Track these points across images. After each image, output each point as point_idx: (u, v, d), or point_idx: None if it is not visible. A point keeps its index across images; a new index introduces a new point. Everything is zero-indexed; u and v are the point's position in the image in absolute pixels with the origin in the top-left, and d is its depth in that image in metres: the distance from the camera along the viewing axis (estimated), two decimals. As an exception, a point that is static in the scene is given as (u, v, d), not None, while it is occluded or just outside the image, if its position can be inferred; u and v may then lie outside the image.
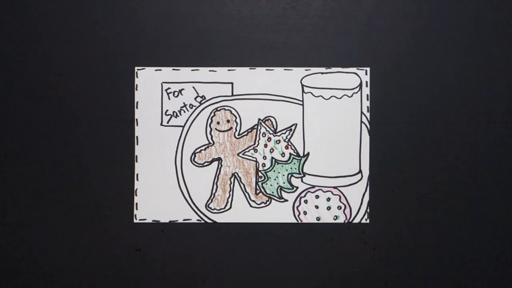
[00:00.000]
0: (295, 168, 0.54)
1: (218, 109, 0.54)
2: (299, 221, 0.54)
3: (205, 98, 0.54)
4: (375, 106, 0.54)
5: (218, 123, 0.54)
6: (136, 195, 0.53)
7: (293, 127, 0.54)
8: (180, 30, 0.53)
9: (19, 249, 0.53)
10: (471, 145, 0.53)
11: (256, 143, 0.54)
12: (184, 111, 0.54)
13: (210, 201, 0.54)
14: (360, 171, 0.54)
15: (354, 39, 0.54)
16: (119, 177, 0.53)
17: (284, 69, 0.54)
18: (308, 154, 0.54)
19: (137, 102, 0.54)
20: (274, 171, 0.54)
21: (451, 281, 0.53)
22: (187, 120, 0.54)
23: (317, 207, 0.54)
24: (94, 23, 0.53)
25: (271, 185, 0.54)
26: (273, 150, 0.54)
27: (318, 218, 0.54)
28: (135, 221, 0.53)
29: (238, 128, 0.54)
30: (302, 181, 0.54)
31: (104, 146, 0.53)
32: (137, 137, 0.54)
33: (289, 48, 0.54)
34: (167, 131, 0.54)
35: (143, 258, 0.53)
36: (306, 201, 0.54)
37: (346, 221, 0.54)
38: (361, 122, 0.54)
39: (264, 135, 0.54)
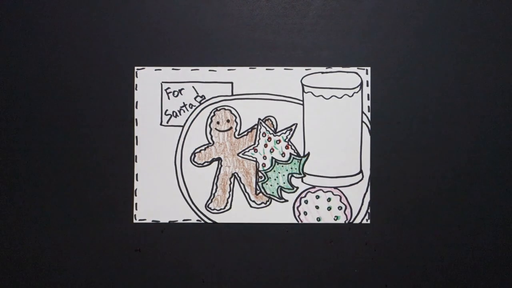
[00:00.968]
0: (296, 168, 0.54)
1: (218, 109, 0.54)
2: (300, 222, 0.53)
3: (205, 98, 0.54)
4: (376, 105, 0.53)
5: (218, 123, 0.54)
6: (135, 195, 0.53)
7: (293, 127, 0.54)
8: (180, 29, 0.53)
9: (19, 249, 0.53)
10: (472, 145, 0.53)
11: (256, 143, 0.54)
12: (184, 111, 0.54)
13: (210, 201, 0.53)
14: (361, 171, 0.53)
15: (355, 38, 0.53)
16: (119, 177, 0.53)
17: (284, 69, 0.53)
18: (308, 154, 0.53)
19: (136, 102, 0.53)
20: (274, 171, 0.54)
21: (451, 282, 0.53)
22: (186, 120, 0.54)
23: (317, 207, 0.53)
24: (93, 23, 0.53)
25: (271, 185, 0.54)
26: (273, 150, 0.54)
27: (318, 219, 0.53)
28: (134, 221, 0.53)
29: (238, 128, 0.54)
30: (302, 181, 0.54)
31: (103, 146, 0.53)
32: (136, 137, 0.53)
33: (289, 47, 0.54)
34: (167, 131, 0.54)
35: (142, 259, 0.53)
36: (306, 202, 0.53)
37: (346, 222, 0.53)
38: (362, 122, 0.53)
39: (264, 135, 0.54)
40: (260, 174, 0.54)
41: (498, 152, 0.47)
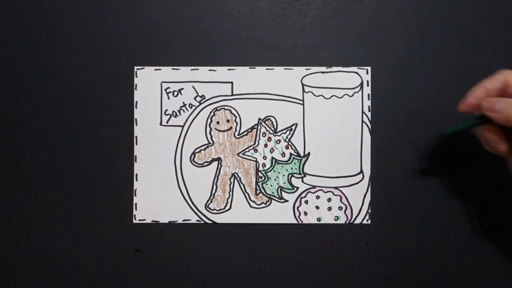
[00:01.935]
0: (296, 168, 0.53)
1: (218, 108, 0.53)
2: (300, 222, 0.53)
3: (204, 98, 0.53)
4: (376, 105, 0.53)
5: (218, 122, 0.54)
6: (135, 196, 0.53)
7: (293, 127, 0.53)
8: (179, 29, 0.53)
9: (19, 249, 0.53)
10: (471, 145, 0.53)
11: (256, 143, 0.53)
12: (184, 111, 0.53)
13: (209, 201, 0.53)
14: (361, 171, 0.53)
15: (355, 38, 0.53)
16: (118, 177, 0.53)
17: (285, 69, 0.53)
18: (308, 154, 0.53)
19: (136, 102, 0.53)
20: (274, 171, 0.53)
21: (451, 282, 0.53)
22: (186, 120, 0.53)
23: (317, 207, 0.53)
24: (93, 23, 0.53)
25: (271, 185, 0.53)
26: (273, 150, 0.53)
27: (318, 219, 0.53)
28: (134, 221, 0.53)
29: (238, 128, 0.53)
30: (302, 181, 0.53)
31: (103, 146, 0.53)
32: (136, 137, 0.53)
33: (289, 47, 0.53)
34: (167, 131, 0.53)
35: (142, 259, 0.53)
36: (306, 202, 0.53)
37: (347, 222, 0.53)
38: (362, 121, 0.53)
39: (264, 135, 0.53)
40: (260, 174, 0.53)
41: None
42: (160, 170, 0.53)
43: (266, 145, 0.53)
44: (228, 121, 0.54)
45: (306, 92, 0.53)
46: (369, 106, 0.53)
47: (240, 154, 0.54)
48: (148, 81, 0.53)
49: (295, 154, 0.53)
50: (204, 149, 0.53)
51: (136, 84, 0.53)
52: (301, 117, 0.53)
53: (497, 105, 0.42)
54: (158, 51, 0.53)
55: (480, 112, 0.45)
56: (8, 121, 0.53)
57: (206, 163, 0.53)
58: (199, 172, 0.53)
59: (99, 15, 0.53)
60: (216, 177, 0.53)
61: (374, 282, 0.53)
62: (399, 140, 0.53)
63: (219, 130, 0.54)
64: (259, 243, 0.53)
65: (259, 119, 0.53)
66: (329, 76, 0.53)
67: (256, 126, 0.53)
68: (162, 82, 0.53)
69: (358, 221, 0.53)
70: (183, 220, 0.53)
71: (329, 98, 0.53)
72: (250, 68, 0.53)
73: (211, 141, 0.54)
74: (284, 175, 0.53)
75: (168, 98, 0.53)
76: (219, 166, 0.53)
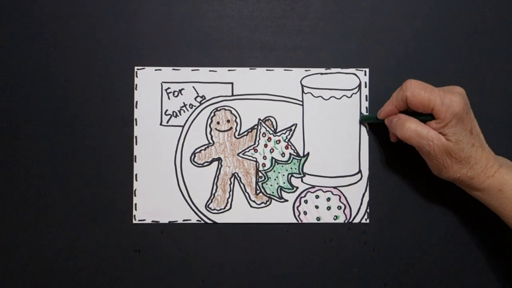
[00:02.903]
0: (295, 168, 0.54)
1: (218, 109, 0.54)
2: (299, 221, 0.54)
3: (205, 98, 0.54)
4: (374, 106, 0.54)
5: (218, 123, 0.54)
6: (135, 196, 0.53)
7: (293, 127, 0.54)
8: (180, 30, 0.54)
9: (19, 249, 0.52)
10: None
11: (256, 143, 0.54)
12: (184, 111, 0.54)
13: (210, 201, 0.53)
14: (359, 171, 0.54)
15: (353, 40, 0.54)
16: (118, 178, 0.53)
17: (284, 70, 0.54)
18: (308, 154, 0.54)
19: (136, 102, 0.53)
20: (274, 171, 0.54)
21: (450, 281, 0.54)
22: (187, 120, 0.54)
23: (317, 207, 0.54)
24: (93, 23, 0.53)
25: (271, 185, 0.54)
26: (273, 150, 0.54)
27: (318, 218, 0.54)
28: (134, 222, 0.53)
29: (238, 128, 0.54)
30: (302, 181, 0.54)
31: (103, 146, 0.53)
32: (136, 137, 0.53)
33: (289, 49, 0.54)
34: (167, 131, 0.53)
35: (142, 259, 0.53)
36: (306, 201, 0.54)
37: (346, 221, 0.54)
38: (360, 122, 0.54)
39: (264, 135, 0.54)
40: (260, 174, 0.54)
41: (498, 152, 0.48)
42: (160, 170, 0.53)
43: (266, 145, 0.54)
44: (228, 121, 0.54)
45: (306, 93, 0.54)
46: (367, 107, 0.54)
47: (240, 154, 0.54)
48: (148, 81, 0.53)
49: (295, 154, 0.54)
50: (205, 149, 0.54)
51: (136, 84, 0.53)
52: (300, 117, 0.54)
53: (392, 123, 0.49)
54: (158, 51, 0.53)
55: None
56: (8, 121, 0.53)
57: (206, 163, 0.54)
58: (199, 172, 0.53)
59: (99, 15, 0.53)
60: (216, 177, 0.54)
61: (373, 281, 0.54)
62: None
63: (219, 130, 0.54)
64: (259, 242, 0.53)
65: (259, 119, 0.54)
66: (328, 77, 0.54)
67: (256, 127, 0.54)
68: (163, 82, 0.53)
69: (357, 220, 0.54)
70: (183, 220, 0.53)
71: (328, 99, 0.54)
72: (250, 69, 0.54)
73: (211, 141, 0.54)
74: (283, 175, 0.54)
75: (169, 98, 0.54)
76: (219, 166, 0.54)
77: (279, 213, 0.54)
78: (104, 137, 0.53)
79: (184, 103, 0.54)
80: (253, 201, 0.54)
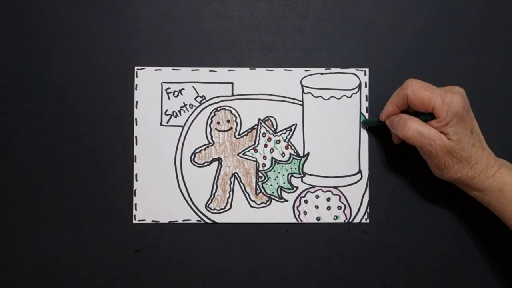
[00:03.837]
0: (295, 168, 0.54)
1: (218, 109, 0.54)
2: (299, 221, 0.54)
3: (205, 98, 0.54)
4: (374, 106, 0.54)
5: (218, 123, 0.54)
6: (135, 196, 0.53)
7: (293, 127, 0.54)
8: (180, 30, 0.54)
9: (19, 249, 0.52)
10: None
11: (256, 143, 0.54)
12: (184, 111, 0.54)
13: (210, 201, 0.53)
14: (359, 171, 0.54)
15: (353, 40, 0.54)
16: (118, 178, 0.53)
17: (284, 70, 0.54)
18: (308, 154, 0.54)
19: (136, 102, 0.53)
20: (274, 171, 0.54)
21: (450, 281, 0.54)
22: (187, 120, 0.54)
23: (317, 207, 0.54)
24: (94, 23, 0.53)
25: (271, 185, 0.54)
26: (273, 150, 0.54)
27: (318, 218, 0.54)
28: (134, 221, 0.53)
29: (238, 128, 0.54)
30: (302, 181, 0.54)
31: (103, 146, 0.53)
32: (136, 137, 0.53)
33: (288, 49, 0.54)
34: (167, 131, 0.54)
35: (142, 259, 0.53)
36: (306, 201, 0.54)
37: (346, 221, 0.54)
38: (360, 122, 0.54)
39: (264, 135, 0.54)
40: (260, 174, 0.54)
41: (497, 152, 0.48)
42: (160, 170, 0.53)
43: (266, 145, 0.54)
44: (228, 121, 0.54)
45: (306, 93, 0.54)
46: (367, 107, 0.54)
47: (240, 154, 0.54)
48: (149, 81, 0.53)
49: (295, 154, 0.54)
50: (205, 149, 0.54)
51: (136, 84, 0.53)
52: (300, 117, 0.54)
53: (394, 123, 0.49)
54: (158, 51, 0.53)
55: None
56: (8, 121, 0.53)
57: (206, 163, 0.54)
58: (199, 172, 0.53)
59: (99, 15, 0.53)
60: (216, 177, 0.54)
61: (373, 281, 0.54)
62: (397, 140, 0.54)
63: (219, 130, 0.54)
64: (259, 242, 0.53)
65: (259, 119, 0.54)
66: (328, 77, 0.54)
67: (256, 127, 0.54)
68: (163, 82, 0.53)
69: (357, 220, 0.54)
70: (183, 220, 0.53)
71: (328, 99, 0.54)
72: (250, 69, 0.54)
73: (211, 141, 0.54)
74: (283, 175, 0.54)
75: (169, 98, 0.54)
76: (219, 166, 0.54)
77: (279, 213, 0.54)
78: (104, 137, 0.53)
79: (184, 103, 0.54)
80: (253, 201, 0.54)
